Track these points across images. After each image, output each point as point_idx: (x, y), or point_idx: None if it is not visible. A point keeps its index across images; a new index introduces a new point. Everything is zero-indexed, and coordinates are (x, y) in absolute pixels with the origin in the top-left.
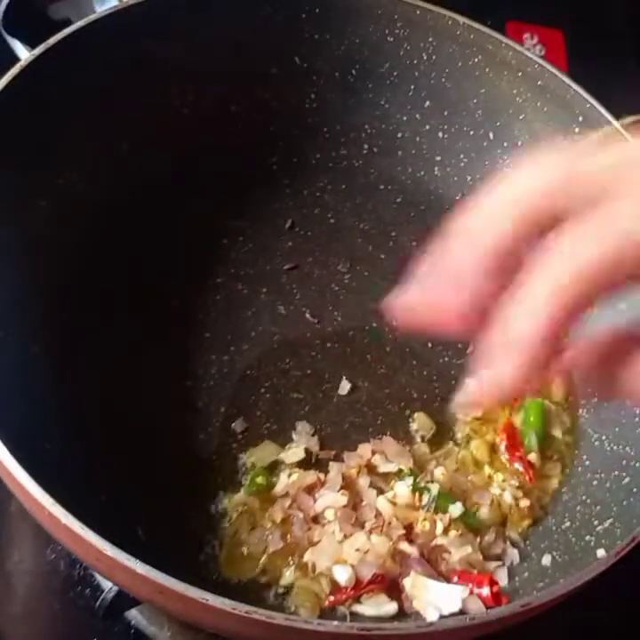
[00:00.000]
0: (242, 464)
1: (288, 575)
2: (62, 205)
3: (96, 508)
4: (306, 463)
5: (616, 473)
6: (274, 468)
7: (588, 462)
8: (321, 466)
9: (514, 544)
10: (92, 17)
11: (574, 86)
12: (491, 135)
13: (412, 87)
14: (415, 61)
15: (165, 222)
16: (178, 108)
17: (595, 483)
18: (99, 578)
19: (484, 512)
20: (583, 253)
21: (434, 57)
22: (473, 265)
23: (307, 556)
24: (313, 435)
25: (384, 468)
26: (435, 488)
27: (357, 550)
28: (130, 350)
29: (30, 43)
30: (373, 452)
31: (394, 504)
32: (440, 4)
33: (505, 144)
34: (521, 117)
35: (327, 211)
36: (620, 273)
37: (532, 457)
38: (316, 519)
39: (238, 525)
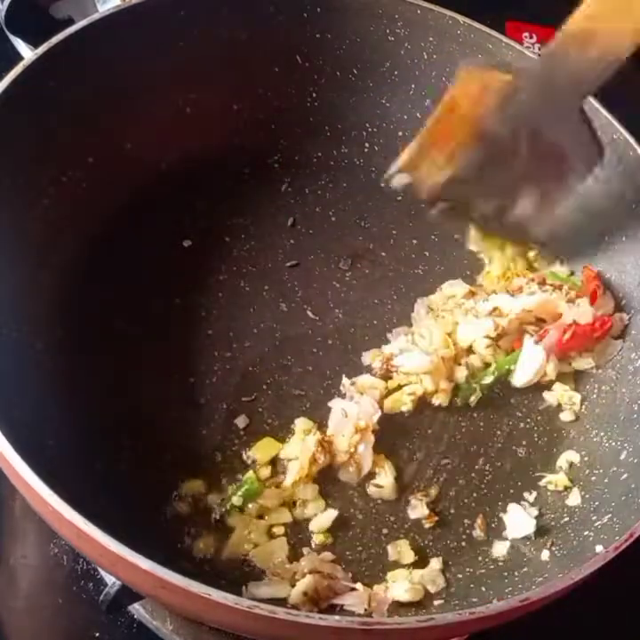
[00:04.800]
0: (243, 459)
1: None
2: (64, 203)
3: (99, 504)
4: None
5: (614, 469)
6: (274, 463)
7: (586, 458)
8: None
9: None
10: (95, 16)
11: None
12: None
13: (413, 86)
14: (416, 60)
15: (167, 220)
16: (180, 107)
17: (593, 479)
18: (102, 572)
19: None
20: None
21: (434, 56)
22: None
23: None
24: (314, 431)
25: None
26: None
27: None
28: (132, 348)
29: (33, 41)
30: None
31: None
32: (440, 3)
33: None
34: None
35: (328, 209)
36: None
37: None
38: None
39: (234, 524)
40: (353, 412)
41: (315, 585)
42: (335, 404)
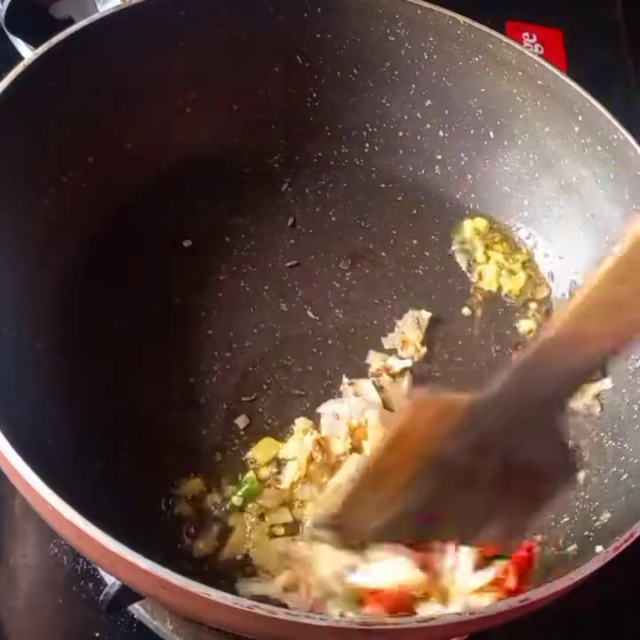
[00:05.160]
0: (243, 459)
1: None
2: (64, 203)
3: (99, 504)
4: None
5: (614, 469)
6: (275, 463)
7: (586, 458)
8: None
9: None
10: (95, 16)
11: (573, 85)
12: (491, 134)
13: (413, 86)
14: (416, 60)
15: (167, 220)
16: (180, 107)
17: (594, 479)
18: (102, 572)
19: None
20: None
21: (434, 56)
22: None
23: None
24: (313, 431)
25: None
26: None
27: None
28: (132, 348)
29: (33, 41)
30: None
31: None
32: (440, 3)
33: (505, 143)
34: (521, 116)
35: (328, 209)
36: None
37: None
38: None
39: (234, 524)
40: (344, 412)
41: None
42: (325, 408)
